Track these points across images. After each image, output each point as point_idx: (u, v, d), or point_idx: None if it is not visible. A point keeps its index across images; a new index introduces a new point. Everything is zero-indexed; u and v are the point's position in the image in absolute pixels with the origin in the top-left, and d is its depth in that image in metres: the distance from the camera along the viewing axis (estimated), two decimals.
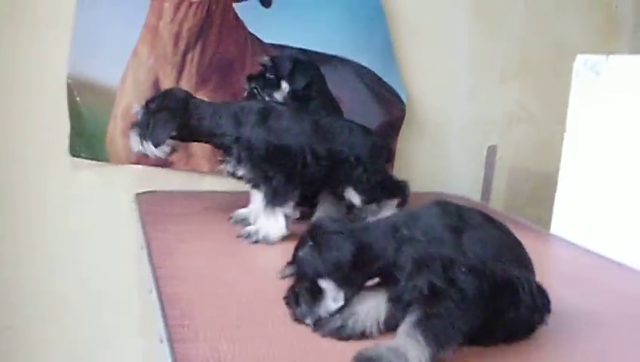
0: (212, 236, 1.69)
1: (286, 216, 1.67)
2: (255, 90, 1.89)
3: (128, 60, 2.09)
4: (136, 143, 1.67)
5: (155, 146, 1.65)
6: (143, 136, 1.66)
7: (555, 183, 2.71)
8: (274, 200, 1.67)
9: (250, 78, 1.91)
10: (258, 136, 1.68)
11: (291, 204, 1.69)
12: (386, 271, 1.10)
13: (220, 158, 1.75)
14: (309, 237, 1.11)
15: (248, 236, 1.65)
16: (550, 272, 1.20)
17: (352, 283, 1.11)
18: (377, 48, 2.34)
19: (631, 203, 1.76)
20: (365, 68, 2.32)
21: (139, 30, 2.08)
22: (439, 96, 2.51)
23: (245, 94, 1.91)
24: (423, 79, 2.46)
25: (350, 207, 1.80)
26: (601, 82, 1.85)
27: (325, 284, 1.10)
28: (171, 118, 1.65)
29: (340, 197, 1.80)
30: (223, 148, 1.72)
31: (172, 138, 1.67)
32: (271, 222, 1.65)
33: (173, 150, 1.71)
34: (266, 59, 1.91)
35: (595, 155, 1.88)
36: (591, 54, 1.91)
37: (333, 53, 2.25)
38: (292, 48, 2.15)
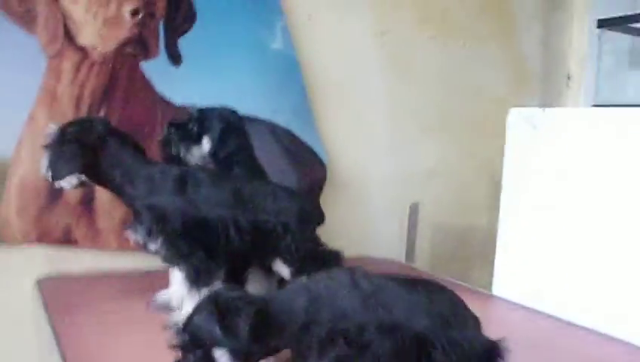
0: (134, 327, 1.46)
1: None
2: (171, 138, 1.70)
3: (23, 127, 1.85)
4: (44, 167, 1.48)
5: (53, 180, 1.47)
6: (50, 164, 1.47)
7: (477, 238, 2.69)
8: (198, 281, 1.48)
9: (170, 124, 1.71)
10: (174, 207, 1.48)
11: (218, 283, 1.51)
12: (291, 346, 1.05)
13: (128, 224, 1.53)
14: (207, 304, 1.03)
15: (176, 327, 1.44)
16: (505, 338, 1.11)
17: (250, 356, 1.03)
18: (294, 107, 2.22)
19: (575, 259, 1.71)
20: (281, 128, 2.19)
21: (35, 93, 1.86)
22: (358, 154, 2.41)
23: (160, 139, 1.71)
24: (342, 137, 2.35)
25: (281, 280, 1.64)
26: (538, 136, 1.79)
27: (219, 355, 1.00)
28: (78, 156, 1.45)
29: (270, 271, 1.63)
30: (132, 212, 1.53)
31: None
32: None
33: (82, 184, 1.50)
34: (193, 108, 1.74)
35: (534, 211, 1.82)
36: (523, 107, 1.89)
37: (248, 113, 2.09)
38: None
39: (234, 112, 1.78)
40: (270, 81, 2.17)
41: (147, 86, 1.98)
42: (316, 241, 1.64)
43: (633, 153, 1.60)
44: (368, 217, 2.45)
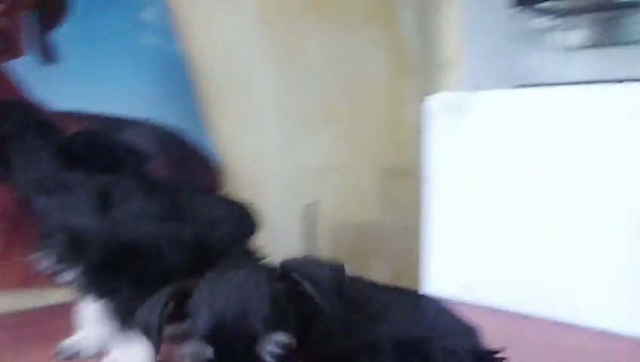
0: None
1: None
2: None
3: None
4: None
5: None
6: None
7: (372, 232, 2.60)
8: (127, 320, 1.21)
9: None
10: (95, 230, 1.19)
11: None
12: None
13: (35, 247, 1.23)
14: None
15: None
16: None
17: None
18: (185, 109, 1.97)
19: (515, 247, 1.64)
20: (167, 131, 1.93)
21: None
22: (252, 155, 2.21)
23: None
24: (235, 136, 2.13)
25: None
26: (465, 121, 1.69)
27: None
28: None
29: None
30: (42, 231, 1.22)
31: None
32: (131, 351, 1.19)
33: None
34: None
35: (466, 201, 1.72)
36: (445, 92, 1.79)
37: (137, 116, 1.84)
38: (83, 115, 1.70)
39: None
40: (156, 79, 1.90)
41: (14, 90, 1.64)
42: (259, 254, 1.44)
43: (568, 132, 1.54)
44: (267, 220, 2.25)
